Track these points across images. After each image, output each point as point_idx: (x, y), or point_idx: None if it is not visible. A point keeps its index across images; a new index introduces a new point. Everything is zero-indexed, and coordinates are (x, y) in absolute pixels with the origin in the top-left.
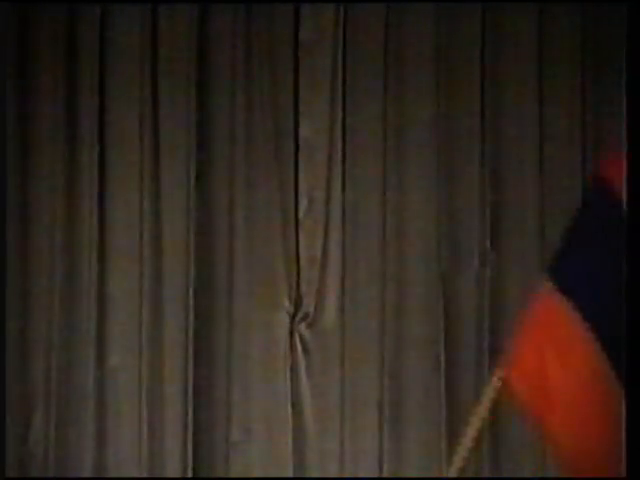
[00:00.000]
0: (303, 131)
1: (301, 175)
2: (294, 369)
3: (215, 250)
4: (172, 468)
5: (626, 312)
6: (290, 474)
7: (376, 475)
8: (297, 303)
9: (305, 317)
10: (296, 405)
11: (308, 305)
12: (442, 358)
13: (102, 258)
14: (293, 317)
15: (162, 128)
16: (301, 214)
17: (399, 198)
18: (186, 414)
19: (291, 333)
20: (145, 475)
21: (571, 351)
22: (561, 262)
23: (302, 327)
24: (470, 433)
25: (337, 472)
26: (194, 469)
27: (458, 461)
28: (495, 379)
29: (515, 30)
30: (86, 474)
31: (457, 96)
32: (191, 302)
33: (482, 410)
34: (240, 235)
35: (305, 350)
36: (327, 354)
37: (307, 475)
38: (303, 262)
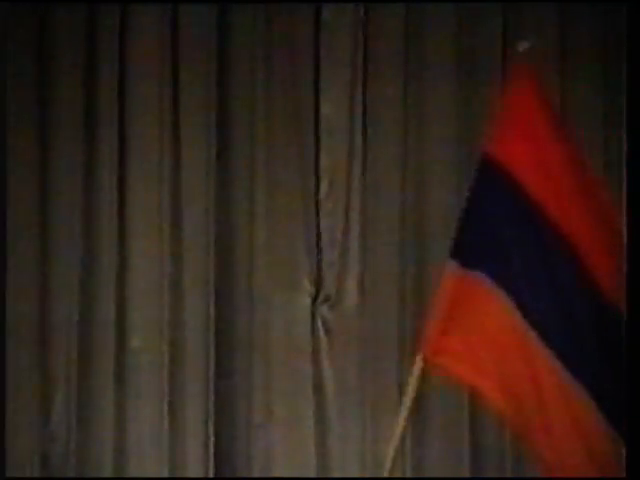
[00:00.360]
0: (324, 112)
1: (322, 157)
2: (315, 351)
3: (235, 232)
4: (193, 451)
5: (626, 312)
6: (312, 456)
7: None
8: (318, 285)
9: (326, 299)
10: (318, 387)
11: (329, 287)
12: None
13: (122, 241)
14: (314, 299)
15: (182, 109)
16: (322, 195)
17: (420, 179)
18: (207, 397)
19: (312, 315)
20: (166, 457)
21: (491, 322)
22: (462, 240)
23: (324, 309)
24: (402, 413)
25: (358, 454)
26: (215, 451)
27: (394, 440)
28: (418, 359)
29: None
30: (107, 456)
31: (477, 76)
32: (212, 285)
33: (410, 390)
34: (260, 217)
35: (327, 332)
36: (348, 336)
37: (329, 456)
38: (324, 244)
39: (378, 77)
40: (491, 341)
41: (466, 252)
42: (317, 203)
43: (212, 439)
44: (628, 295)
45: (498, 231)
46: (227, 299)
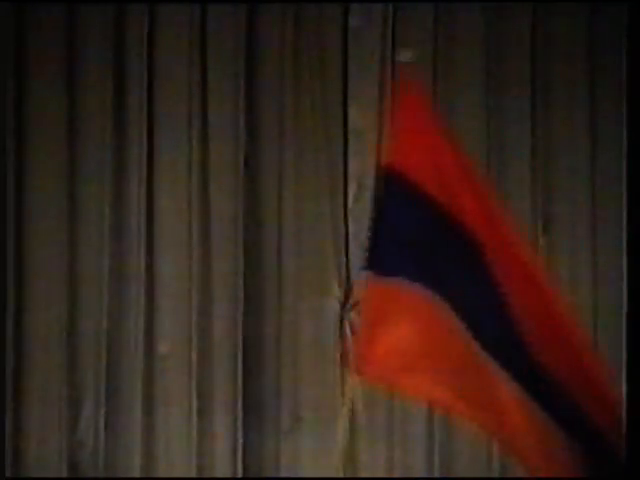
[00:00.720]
0: (352, 116)
1: (350, 161)
2: (344, 356)
3: (264, 237)
4: (221, 457)
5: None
6: (340, 461)
7: (426, 463)
8: (347, 290)
9: (355, 304)
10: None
11: (358, 292)
12: None
13: (150, 245)
14: (343, 304)
15: (210, 114)
16: (350, 200)
17: None
18: (235, 403)
19: (341, 320)
20: (194, 463)
21: (422, 322)
22: (376, 250)
23: (352, 314)
24: (341, 423)
25: (387, 459)
26: (243, 457)
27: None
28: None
29: (566, 29)
30: (136, 462)
31: (507, 79)
32: (240, 290)
33: (347, 402)
34: (289, 221)
35: (355, 337)
36: None
37: (357, 463)
38: (352, 249)
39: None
40: (425, 340)
41: (381, 261)
42: (345, 208)
43: (240, 445)
44: (628, 297)
45: (410, 237)
46: (255, 305)
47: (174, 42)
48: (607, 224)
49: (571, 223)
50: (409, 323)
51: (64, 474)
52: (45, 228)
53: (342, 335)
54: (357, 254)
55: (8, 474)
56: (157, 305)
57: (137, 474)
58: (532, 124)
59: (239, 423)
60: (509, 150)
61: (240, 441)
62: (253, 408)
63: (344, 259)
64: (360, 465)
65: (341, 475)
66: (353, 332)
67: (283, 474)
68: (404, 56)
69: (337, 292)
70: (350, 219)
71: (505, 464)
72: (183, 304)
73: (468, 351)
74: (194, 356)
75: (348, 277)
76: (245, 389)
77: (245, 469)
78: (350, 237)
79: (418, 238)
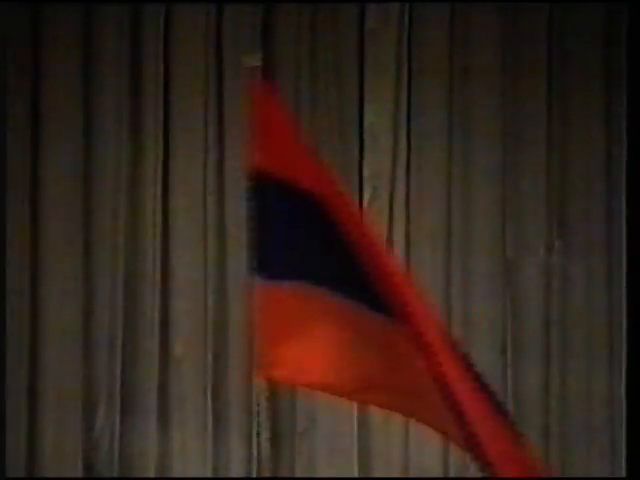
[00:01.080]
0: (368, 118)
1: (366, 163)
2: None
3: None
4: (237, 457)
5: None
6: (355, 462)
7: (442, 462)
8: None
9: None
10: None
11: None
12: (508, 345)
13: (166, 248)
14: None
15: (226, 114)
16: (365, 202)
17: (464, 184)
18: (251, 404)
19: None
20: (209, 463)
21: (324, 321)
22: (263, 255)
23: None
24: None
25: (402, 460)
26: (259, 458)
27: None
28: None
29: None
30: (151, 463)
31: (523, 81)
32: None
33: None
34: None
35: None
36: None
37: (373, 463)
38: None
39: (422, 84)
40: (336, 338)
41: (271, 265)
42: (361, 210)
43: (256, 446)
44: (628, 296)
45: (293, 236)
46: None
47: (190, 42)
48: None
49: (585, 226)
50: (314, 322)
51: (79, 474)
52: (60, 230)
53: None
54: None
55: (23, 475)
56: (172, 308)
57: (152, 474)
58: (548, 126)
59: (254, 424)
60: (525, 150)
61: (255, 443)
62: (268, 409)
63: None
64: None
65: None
66: None
67: (298, 474)
68: (252, 60)
69: None
70: (365, 220)
71: None
72: (198, 306)
73: (380, 339)
74: (209, 357)
75: None
76: (260, 390)
77: (260, 470)
78: None
79: (300, 236)
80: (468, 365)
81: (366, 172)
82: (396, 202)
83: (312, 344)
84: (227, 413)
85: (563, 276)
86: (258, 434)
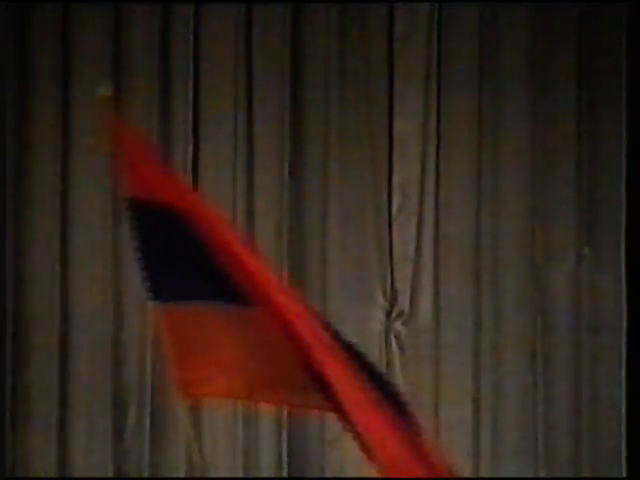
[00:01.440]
0: (397, 127)
1: (395, 171)
2: (389, 367)
3: (308, 247)
4: (266, 465)
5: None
6: None
7: (470, 474)
8: (392, 300)
9: (400, 314)
10: None
11: (403, 302)
12: (539, 354)
13: None
14: (388, 314)
15: (256, 124)
16: (395, 210)
17: (493, 194)
18: (280, 411)
19: (386, 331)
20: (239, 470)
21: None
22: (154, 279)
23: (397, 324)
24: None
25: None
26: (288, 466)
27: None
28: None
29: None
30: (180, 469)
31: (553, 91)
32: None
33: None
34: (333, 232)
35: (400, 347)
36: (422, 351)
37: None
38: (397, 259)
39: (452, 91)
40: (228, 347)
41: (163, 289)
42: (390, 218)
43: (285, 454)
44: (628, 298)
45: (173, 257)
46: None
47: (220, 43)
48: None
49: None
50: (213, 336)
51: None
52: (91, 242)
53: (387, 344)
54: (401, 264)
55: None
56: None
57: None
58: (577, 133)
59: (284, 432)
60: (554, 157)
61: (285, 450)
62: (297, 417)
63: (388, 268)
64: None
65: None
66: (398, 342)
67: None
68: (103, 90)
69: (382, 302)
70: (394, 229)
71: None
72: None
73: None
74: None
75: (393, 287)
76: None
77: (289, 478)
78: (394, 247)
79: (179, 256)
80: (336, 338)
81: (395, 180)
82: (425, 210)
83: (215, 357)
84: (257, 418)
85: (592, 284)
86: (287, 440)
